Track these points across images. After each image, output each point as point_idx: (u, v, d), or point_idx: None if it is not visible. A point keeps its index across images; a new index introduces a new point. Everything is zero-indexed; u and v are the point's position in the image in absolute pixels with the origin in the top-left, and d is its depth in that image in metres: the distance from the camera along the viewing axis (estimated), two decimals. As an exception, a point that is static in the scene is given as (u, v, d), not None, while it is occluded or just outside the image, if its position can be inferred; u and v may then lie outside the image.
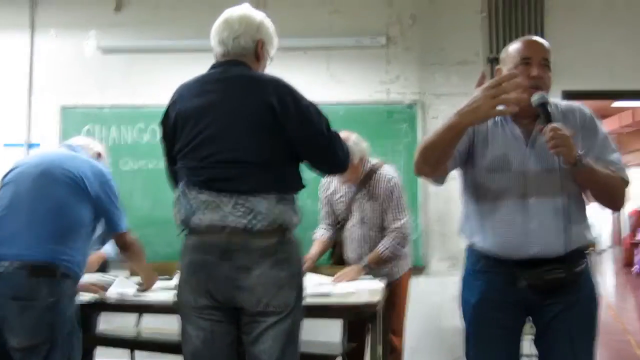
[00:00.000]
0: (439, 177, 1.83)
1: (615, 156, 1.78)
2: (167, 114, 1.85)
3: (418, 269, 3.85)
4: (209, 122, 1.75)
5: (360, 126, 3.91)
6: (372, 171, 2.95)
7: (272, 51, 1.92)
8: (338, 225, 3.07)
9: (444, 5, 4.06)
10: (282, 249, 1.72)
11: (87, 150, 2.41)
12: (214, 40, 1.87)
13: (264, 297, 1.68)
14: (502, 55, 1.86)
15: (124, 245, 2.29)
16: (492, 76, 3.98)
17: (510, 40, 3.79)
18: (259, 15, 1.88)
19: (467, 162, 1.84)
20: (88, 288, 2.28)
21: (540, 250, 1.72)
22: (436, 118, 3.95)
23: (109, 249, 2.86)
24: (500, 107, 1.55)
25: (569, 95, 3.74)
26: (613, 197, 1.80)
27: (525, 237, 1.73)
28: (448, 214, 3.87)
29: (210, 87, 1.79)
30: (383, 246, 2.87)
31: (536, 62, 1.75)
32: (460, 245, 3.90)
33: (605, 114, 9.32)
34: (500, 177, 1.77)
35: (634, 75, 3.90)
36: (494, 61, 3.87)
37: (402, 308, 3.04)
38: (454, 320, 3.56)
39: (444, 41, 4.03)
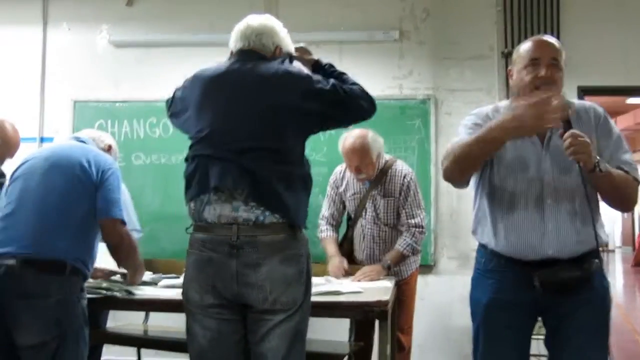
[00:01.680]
0: (466, 182, 1.85)
1: (628, 156, 1.80)
2: (181, 96, 1.89)
3: (427, 268, 3.83)
4: (225, 112, 1.75)
5: (372, 122, 3.81)
6: (387, 167, 2.91)
7: None
8: (349, 222, 3.04)
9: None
10: (291, 245, 1.71)
11: (97, 142, 2.40)
12: (234, 37, 1.90)
13: (272, 293, 1.67)
14: (514, 55, 1.87)
15: (114, 235, 2.09)
16: (505, 73, 3.94)
17: (526, 34, 3.81)
18: (281, 27, 1.94)
19: (485, 163, 1.83)
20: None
21: (556, 252, 1.72)
22: (449, 114, 3.90)
23: None
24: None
25: (584, 91, 3.69)
26: (626, 200, 1.81)
27: (542, 239, 1.73)
28: (459, 212, 3.83)
29: (229, 77, 1.80)
30: (403, 244, 2.83)
31: (545, 63, 1.75)
32: (469, 244, 3.87)
33: (620, 111, 9.19)
34: (517, 179, 1.78)
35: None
36: (508, 56, 3.82)
37: (411, 306, 3.02)
38: (463, 319, 3.54)
39: (457, 36, 3.97)
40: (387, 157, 2.97)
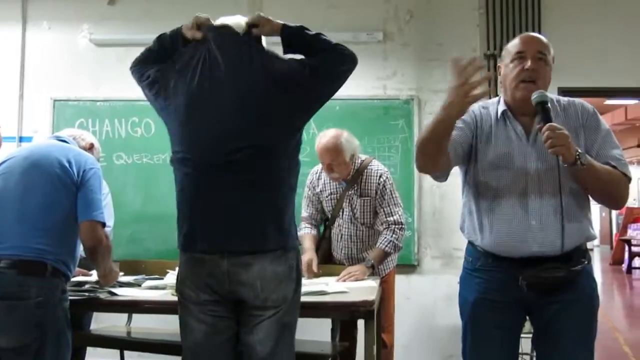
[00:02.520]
0: (442, 173, 1.83)
1: (617, 152, 1.76)
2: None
3: (411, 267, 3.85)
4: (208, 110, 1.74)
5: (356, 122, 3.89)
6: (362, 167, 2.94)
7: None
8: (326, 222, 3.06)
9: (441, 2, 4.03)
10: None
11: (78, 141, 2.36)
12: None
13: (263, 291, 1.70)
14: (503, 51, 1.88)
15: (93, 238, 2.03)
16: (492, 71, 3.96)
17: (508, 36, 3.84)
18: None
19: (470, 159, 1.83)
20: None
21: (540, 248, 1.71)
22: (432, 114, 3.91)
23: None
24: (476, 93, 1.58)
25: (564, 92, 3.73)
26: (614, 195, 1.78)
27: (525, 235, 1.72)
28: (442, 211, 3.86)
29: (210, 86, 1.77)
30: (385, 242, 2.84)
31: (530, 55, 1.75)
32: (453, 243, 3.89)
33: (598, 112, 9.33)
34: (501, 174, 1.77)
35: (629, 72, 3.90)
36: (491, 57, 3.86)
37: (391, 304, 3.05)
38: (447, 318, 3.57)
39: (441, 37, 4.00)
40: (362, 157, 3.00)
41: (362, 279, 2.65)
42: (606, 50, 3.91)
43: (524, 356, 3.08)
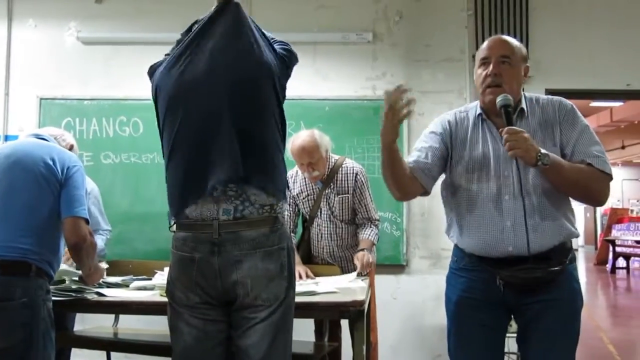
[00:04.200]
0: (421, 194, 1.90)
1: (596, 148, 1.76)
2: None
3: (399, 267, 3.87)
4: (198, 102, 1.71)
5: (345, 122, 3.90)
6: (337, 166, 2.98)
7: None
8: (304, 224, 3.08)
9: (430, 3, 4.05)
10: (272, 240, 1.70)
11: (59, 141, 2.33)
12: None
13: (254, 290, 1.66)
14: (475, 57, 1.90)
15: (77, 234, 2.00)
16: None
17: (496, 38, 3.85)
18: None
19: (447, 165, 1.86)
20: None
21: (516, 249, 1.71)
22: (422, 115, 3.93)
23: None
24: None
25: (552, 93, 3.77)
26: (588, 193, 1.77)
27: (501, 236, 1.73)
28: (431, 211, 3.87)
29: (191, 66, 1.74)
30: (372, 234, 2.93)
31: (493, 61, 1.79)
32: (441, 243, 3.91)
33: (583, 114, 9.45)
34: (477, 176, 1.79)
35: (616, 74, 3.94)
36: (479, 59, 3.89)
37: (373, 302, 3.06)
38: (435, 318, 3.58)
39: (430, 38, 4.02)
40: (335, 156, 3.04)
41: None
42: (593, 52, 3.95)
43: (512, 355, 3.10)
